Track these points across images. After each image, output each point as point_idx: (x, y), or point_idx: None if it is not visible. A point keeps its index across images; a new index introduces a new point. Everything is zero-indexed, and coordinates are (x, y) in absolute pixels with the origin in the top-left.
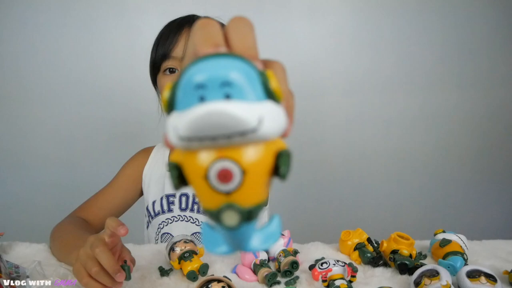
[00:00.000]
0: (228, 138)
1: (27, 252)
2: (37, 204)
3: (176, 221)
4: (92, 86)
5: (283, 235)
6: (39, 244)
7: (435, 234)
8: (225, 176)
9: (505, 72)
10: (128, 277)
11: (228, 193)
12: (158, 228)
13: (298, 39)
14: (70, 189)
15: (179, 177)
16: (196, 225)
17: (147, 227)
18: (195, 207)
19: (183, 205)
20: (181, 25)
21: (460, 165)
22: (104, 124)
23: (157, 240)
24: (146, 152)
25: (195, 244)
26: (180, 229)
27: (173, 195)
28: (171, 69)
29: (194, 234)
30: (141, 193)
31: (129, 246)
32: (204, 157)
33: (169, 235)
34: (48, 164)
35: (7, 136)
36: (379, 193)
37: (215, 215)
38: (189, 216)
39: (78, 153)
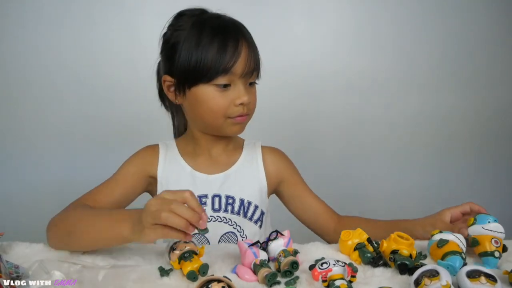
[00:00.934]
0: None
1: (27, 252)
2: (37, 204)
3: (208, 221)
4: (92, 85)
5: (282, 235)
6: (39, 244)
7: (432, 235)
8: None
9: (505, 71)
10: (206, 229)
11: None
12: None
13: (298, 39)
14: (71, 189)
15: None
16: (229, 225)
17: None
18: (229, 208)
19: (216, 206)
20: (236, 37)
21: (460, 165)
22: (104, 123)
23: None
24: (152, 150)
25: (195, 245)
26: (213, 229)
27: (205, 196)
28: (225, 85)
29: (227, 234)
30: (142, 192)
31: (132, 245)
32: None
33: (200, 236)
34: (49, 164)
35: (8, 135)
36: (379, 192)
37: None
38: (222, 217)
39: (79, 153)
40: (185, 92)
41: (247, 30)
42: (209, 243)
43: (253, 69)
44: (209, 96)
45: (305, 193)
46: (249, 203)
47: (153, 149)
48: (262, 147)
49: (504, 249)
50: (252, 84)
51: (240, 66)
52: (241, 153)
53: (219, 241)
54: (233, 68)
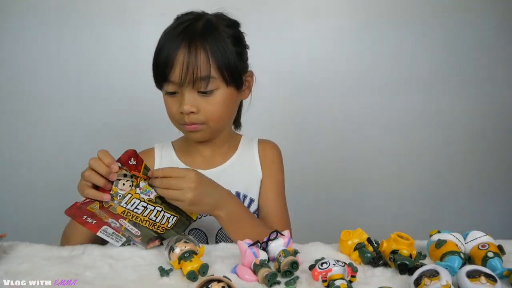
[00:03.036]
0: None
1: (27, 252)
2: (37, 204)
3: (205, 216)
4: (92, 88)
5: (282, 235)
6: (39, 244)
7: (430, 236)
8: None
9: (505, 72)
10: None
11: None
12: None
13: (299, 40)
14: (70, 190)
15: None
16: None
17: None
18: None
19: None
20: (178, 43)
21: (460, 165)
22: (104, 125)
23: None
24: (147, 154)
25: (195, 244)
26: (211, 222)
27: None
28: (171, 92)
29: None
30: None
31: (132, 247)
32: None
33: (198, 230)
34: (49, 164)
35: (8, 136)
36: (379, 193)
37: None
38: None
39: (78, 154)
40: None
41: (213, 34)
42: (207, 236)
43: (196, 78)
44: (164, 101)
45: (270, 196)
46: (245, 196)
47: (146, 154)
48: (259, 140)
49: (502, 250)
50: (206, 92)
51: (177, 74)
52: (237, 148)
53: (217, 234)
54: (170, 77)
